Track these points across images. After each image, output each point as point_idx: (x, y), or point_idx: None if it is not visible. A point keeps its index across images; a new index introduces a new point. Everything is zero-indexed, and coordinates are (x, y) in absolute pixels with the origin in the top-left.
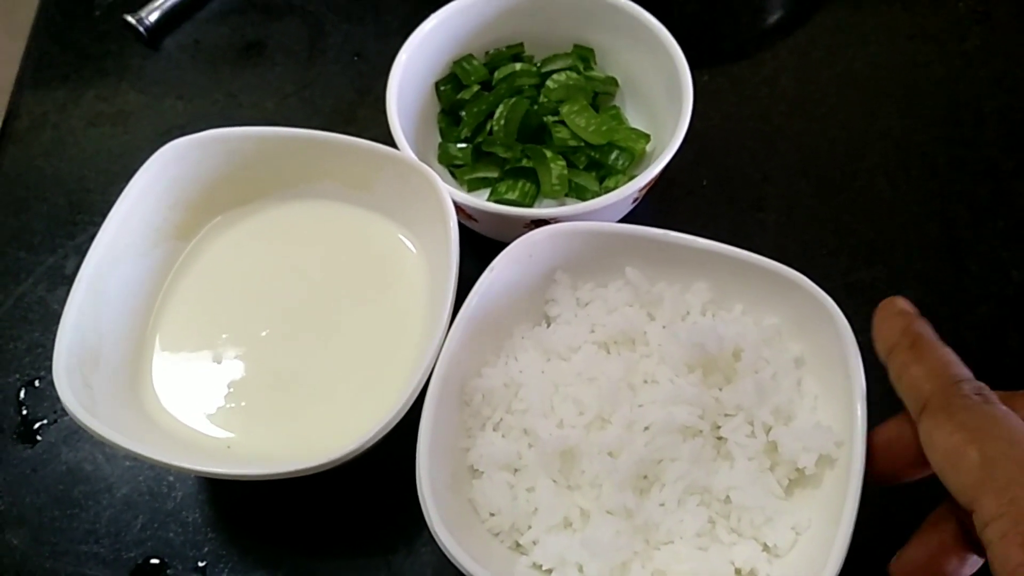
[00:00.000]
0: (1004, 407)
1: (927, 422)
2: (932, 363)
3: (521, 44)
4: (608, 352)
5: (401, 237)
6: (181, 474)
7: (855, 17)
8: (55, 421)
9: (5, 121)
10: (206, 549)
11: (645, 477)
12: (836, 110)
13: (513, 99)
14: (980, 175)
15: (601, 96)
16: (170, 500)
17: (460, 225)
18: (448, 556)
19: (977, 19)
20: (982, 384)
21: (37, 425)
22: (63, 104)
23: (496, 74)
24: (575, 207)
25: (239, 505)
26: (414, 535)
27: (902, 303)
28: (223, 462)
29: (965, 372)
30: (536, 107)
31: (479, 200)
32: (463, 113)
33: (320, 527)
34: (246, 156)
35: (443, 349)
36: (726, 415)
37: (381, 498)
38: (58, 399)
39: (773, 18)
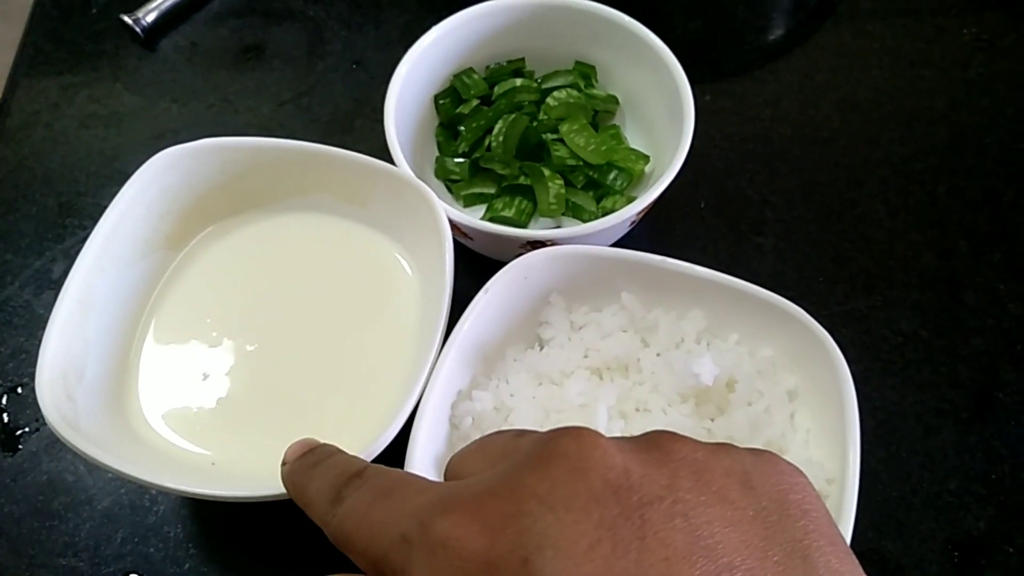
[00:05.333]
0: None
1: None
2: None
3: (522, 59)
4: (601, 378)
5: (395, 254)
6: None
7: (859, 41)
8: (37, 430)
9: None
10: (187, 565)
11: None
12: (838, 135)
13: (513, 115)
14: (980, 205)
15: (601, 114)
16: (152, 514)
17: (454, 242)
18: None
19: (980, 47)
20: None
21: (19, 433)
22: (56, 103)
23: (496, 89)
24: (572, 229)
25: (222, 521)
26: None
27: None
28: (208, 481)
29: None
30: (535, 124)
31: (475, 219)
32: (462, 128)
33: (304, 545)
34: (240, 166)
35: (433, 373)
36: None
37: None
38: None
39: (776, 39)
